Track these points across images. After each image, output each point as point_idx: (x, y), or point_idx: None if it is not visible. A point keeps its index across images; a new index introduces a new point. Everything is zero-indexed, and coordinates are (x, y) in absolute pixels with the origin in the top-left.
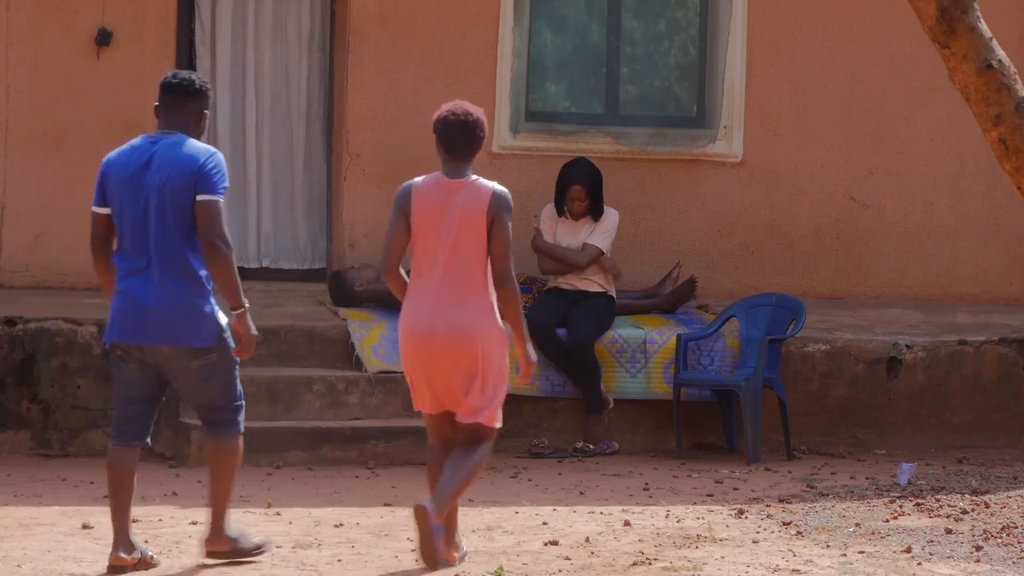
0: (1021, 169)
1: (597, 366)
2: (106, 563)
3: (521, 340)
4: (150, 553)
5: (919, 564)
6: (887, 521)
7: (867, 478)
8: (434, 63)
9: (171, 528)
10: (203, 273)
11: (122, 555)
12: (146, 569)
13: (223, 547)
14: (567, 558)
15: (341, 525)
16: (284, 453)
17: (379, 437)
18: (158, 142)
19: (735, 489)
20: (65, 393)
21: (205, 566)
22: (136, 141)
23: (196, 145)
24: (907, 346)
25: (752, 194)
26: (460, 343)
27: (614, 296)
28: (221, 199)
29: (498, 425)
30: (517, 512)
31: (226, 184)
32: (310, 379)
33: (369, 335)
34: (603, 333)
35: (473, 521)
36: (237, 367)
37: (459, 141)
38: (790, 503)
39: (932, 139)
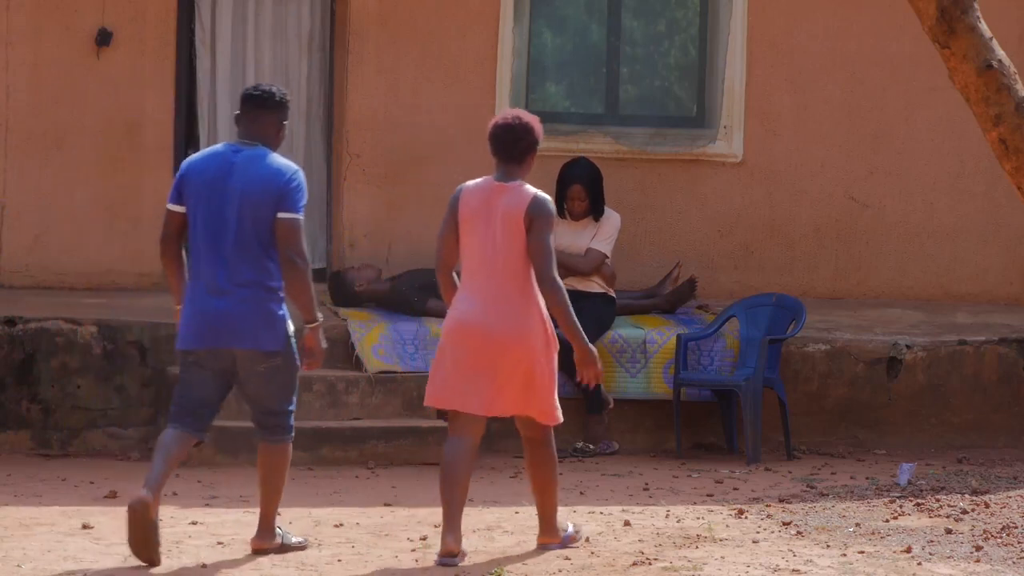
0: (1021, 169)
1: None
2: (124, 552)
3: (574, 337)
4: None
5: (919, 564)
6: (887, 521)
7: (867, 478)
8: (434, 63)
9: (171, 528)
10: (276, 279)
11: (144, 492)
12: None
13: (270, 544)
14: (567, 558)
15: (341, 525)
16: None
17: (379, 437)
18: (240, 152)
19: (735, 489)
20: (65, 393)
21: (206, 566)
22: (218, 148)
23: (279, 160)
24: (907, 346)
25: (752, 194)
26: (504, 344)
27: (614, 296)
28: (301, 216)
29: (557, 421)
30: (517, 512)
31: (305, 201)
32: (310, 379)
33: (369, 335)
34: (603, 333)
35: (473, 521)
36: (298, 375)
37: (505, 145)
38: (790, 503)
39: (932, 139)
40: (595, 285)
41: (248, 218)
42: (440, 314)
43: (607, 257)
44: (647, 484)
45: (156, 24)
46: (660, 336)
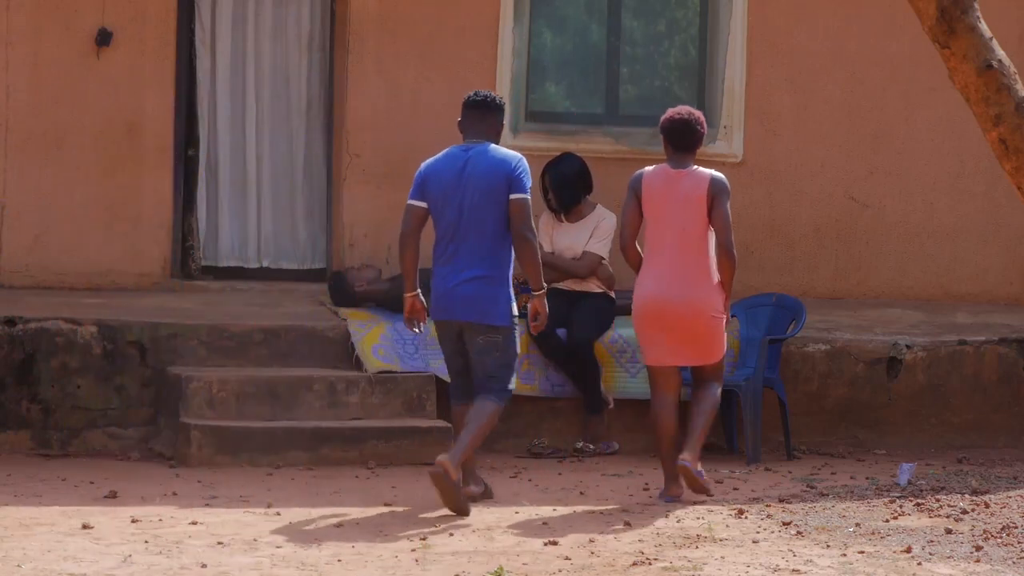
0: (1021, 169)
1: (597, 366)
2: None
3: (728, 299)
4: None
5: (919, 564)
6: (887, 521)
7: (867, 478)
8: (434, 63)
9: (171, 528)
10: (507, 262)
11: (472, 488)
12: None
13: (474, 492)
14: (567, 558)
15: (341, 525)
16: (284, 453)
17: (379, 437)
18: (470, 150)
19: (735, 489)
20: (65, 393)
21: (206, 566)
22: (450, 150)
23: (503, 151)
24: (907, 346)
25: (752, 194)
26: (689, 306)
27: (614, 297)
28: (529, 197)
29: (720, 356)
30: (517, 512)
31: (530, 183)
32: (310, 379)
33: (369, 335)
34: (603, 333)
35: (473, 521)
36: (517, 353)
37: (681, 136)
38: (790, 503)
39: (932, 139)
40: (594, 285)
41: (483, 204)
42: None
43: (604, 259)
44: (647, 484)
45: (156, 24)
46: None
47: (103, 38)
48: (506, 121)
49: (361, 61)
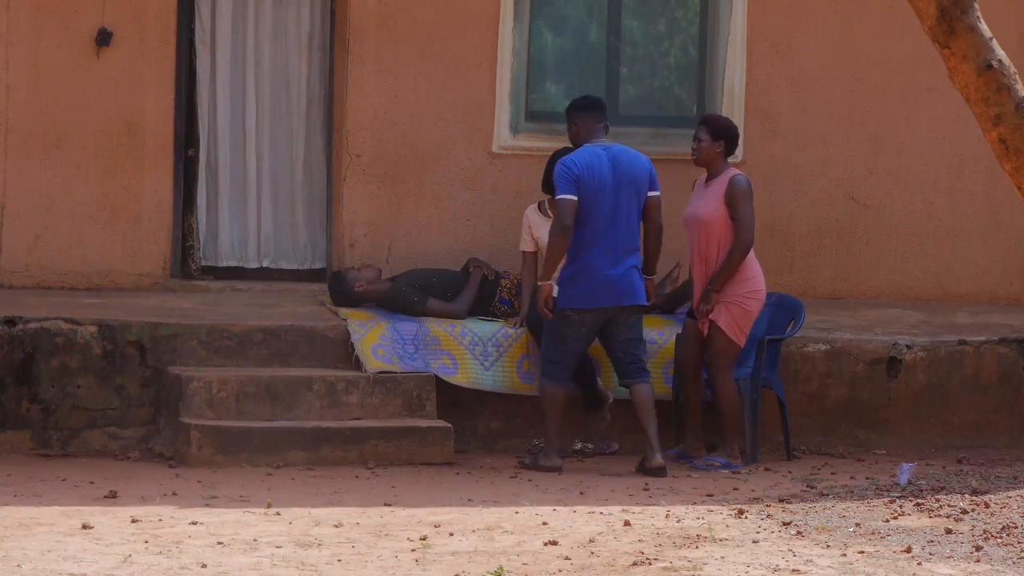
0: (1021, 169)
1: (594, 363)
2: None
3: None
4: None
5: (919, 564)
6: (887, 521)
7: (867, 478)
8: (434, 63)
9: (171, 528)
10: (640, 245)
11: (556, 460)
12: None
13: (661, 464)
14: (567, 558)
15: (341, 525)
16: (284, 453)
17: (379, 437)
18: (608, 149)
19: (735, 489)
20: (65, 393)
21: (206, 566)
22: (590, 148)
23: (635, 152)
24: (907, 346)
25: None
26: None
27: None
28: None
29: None
30: (517, 512)
31: None
32: (310, 379)
33: (369, 335)
34: None
35: (473, 521)
36: None
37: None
38: (790, 503)
39: (932, 139)
40: None
41: (631, 199)
42: (440, 314)
43: None
44: (647, 484)
45: (156, 24)
46: (660, 336)
47: (103, 38)
48: (506, 120)
49: (361, 61)
